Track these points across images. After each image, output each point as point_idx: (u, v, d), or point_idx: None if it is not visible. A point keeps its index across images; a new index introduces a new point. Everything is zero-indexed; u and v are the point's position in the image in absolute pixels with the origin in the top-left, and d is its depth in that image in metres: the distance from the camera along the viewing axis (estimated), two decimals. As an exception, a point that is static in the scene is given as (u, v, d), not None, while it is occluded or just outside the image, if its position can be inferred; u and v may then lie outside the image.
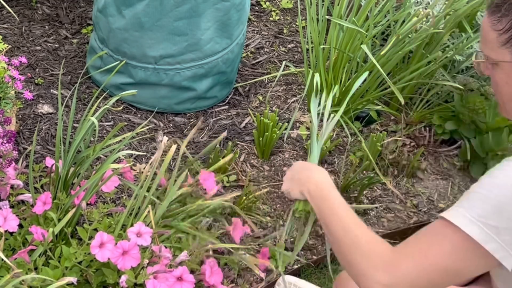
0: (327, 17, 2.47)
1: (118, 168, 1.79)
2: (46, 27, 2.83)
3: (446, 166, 2.56)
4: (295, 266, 2.07)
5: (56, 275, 1.63)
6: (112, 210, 1.84)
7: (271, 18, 3.11)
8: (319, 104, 1.75)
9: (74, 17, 2.90)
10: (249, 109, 2.61)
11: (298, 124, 2.56)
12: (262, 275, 1.99)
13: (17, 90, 2.15)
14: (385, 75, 2.23)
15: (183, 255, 1.70)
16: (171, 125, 2.50)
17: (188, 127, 2.50)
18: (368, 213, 2.31)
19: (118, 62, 2.36)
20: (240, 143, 2.47)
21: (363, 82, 2.52)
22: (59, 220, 1.74)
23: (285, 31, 3.04)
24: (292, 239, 2.16)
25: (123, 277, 1.61)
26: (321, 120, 1.69)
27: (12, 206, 1.84)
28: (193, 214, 1.89)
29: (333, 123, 1.67)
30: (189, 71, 2.44)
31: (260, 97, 2.68)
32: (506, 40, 1.27)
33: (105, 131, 2.40)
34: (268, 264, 1.87)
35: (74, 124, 2.37)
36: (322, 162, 2.43)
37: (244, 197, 2.15)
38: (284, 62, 2.66)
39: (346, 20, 2.48)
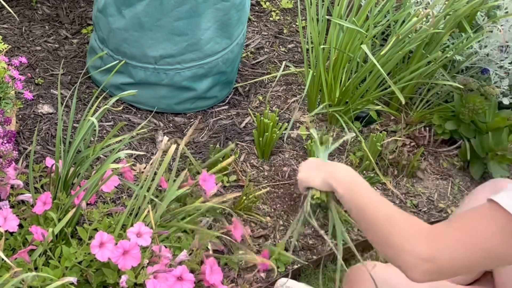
0: (327, 17, 2.48)
1: (118, 168, 1.79)
2: (46, 27, 2.83)
3: (446, 166, 2.56)
4: (295, 266, 2.07)
5: (56, 275, 1.63)
6: (112, 210, 1.84)
7: (271, 18, 3.11)
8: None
9: (74, 17, 2.90)
10: (249, 109, 2.62)
11: (298, 124, 2.56)
12: (262, 275, 1.99)
13: (17, 90, 2.15)
14: (385, 75, 2.23)
15: (183, 255, 1.71)
16: (171, 125, 2.50)
17: (188, 127, 2.50)
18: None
19: (118, 62, 2.37)
20: (240, 143, 2.47)
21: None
22: (59, 220, 1.74)
23: (285, 31, 3.04)
24: (291, 240, 2.16)
25: (123, 277, 1.61)
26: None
27: (12, 206, 1.84)
28: (193, 214, 1.89)
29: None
30: (189, 71, 2.44)
31: (260, 97, 2.68)
32: None
33: (105, 131, 2.41)
34: (268, 264, 1.88)
35: (74, 124, 2.38)
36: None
37: (244, 197, 2.15)
38: (284, 62, 2.66)
39: (346, 20, 2.48)
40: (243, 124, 2.55)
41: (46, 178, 1.98)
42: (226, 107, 2.62)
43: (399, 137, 2.58)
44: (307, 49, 2.61)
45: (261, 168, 2.39)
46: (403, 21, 2.51)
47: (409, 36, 2.42)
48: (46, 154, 2.25)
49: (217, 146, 2.38)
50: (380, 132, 2.57)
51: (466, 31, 2.52)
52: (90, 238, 1.68)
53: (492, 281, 1.70)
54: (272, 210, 2.25)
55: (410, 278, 1.25)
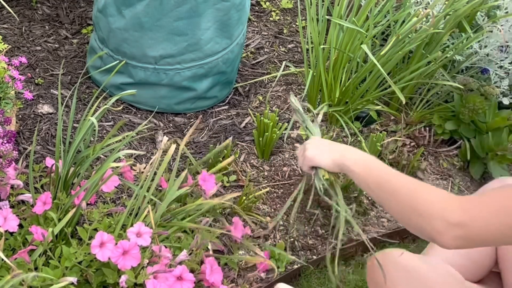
0: (327, 17, 2.48)
1: (118, 168, 1.79)
2: (46, 27, 2.83)
3: (446, 166, 2.56)
4: (295, 266, 2.07)
5: (56, 275, 1.63)
6: (112, 210, 1.84)
7: (271, 18, 3.11)
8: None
9: (74, 17, 2.90)
10: (249, 109, 2.62)
11: (298, 124, 2.56)
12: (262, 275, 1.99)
13: (17, 90, 2.15)
14: (386, 75, 2.23)
15: (183, 255, 1.71)
16: (171, 125, 2.50)
17: (188, 127, 2.50)
18: (368, 213, 2.30)
19: (118, 62, 2.37)
20: (240, 143, 2.47)
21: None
22: (59, 220, 1.74)
23: (285, 31, 3.04)
24: (292, 239, 2.16)
25: (123, 277, 1.61)
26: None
27: (12, 206, 1.84)
28: (193, 214, 1.89)
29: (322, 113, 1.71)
30: (189, 71, 2.44)
31: (260, 97, 2.68)
32: None
33: (105, 131, 2.41)
34: (268, 264, 1.88)
35: (74, 124, 2.38)
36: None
37: (244, 197, 2.15)
38: (284, 62, 2.66)
39: (346, 20, 2.48)
40: (243, 124, 2.55)
41: (46, 178, 1.98)
42: (226, 107, 2.63)
43: (399, 137, 2.58)
44: (307, 49, 2.61)
45: (261, 168, 2.39)
46: (403, 21, 2.51)
47: (409, 36, 2.42)
48: (46, 154, 2.25)
49: (217, 146, 2.38)
50: (380, 132, 2.57)
51: (466, 31, 2.52)
52: (90, 238, 1.68)
53: (496, 282, 1.70)
54: (272, 210, 2.25)
55: (440, 244, 1.25)
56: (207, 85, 2.50)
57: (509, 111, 2.55)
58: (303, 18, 3.00)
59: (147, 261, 1.66)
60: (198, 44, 2.38)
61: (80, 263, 1.69)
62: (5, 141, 1.83)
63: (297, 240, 2.16)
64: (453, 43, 2.59)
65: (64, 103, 2.42)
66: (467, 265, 1.67)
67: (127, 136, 1.99)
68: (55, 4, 2.94)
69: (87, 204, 1.83)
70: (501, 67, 2.57)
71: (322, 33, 2.53)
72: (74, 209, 1.76)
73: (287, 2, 3.19)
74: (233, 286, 1.90)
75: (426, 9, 2.43)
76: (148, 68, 2.42)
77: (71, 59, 2.70)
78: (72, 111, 1.93)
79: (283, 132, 2.42)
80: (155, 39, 2.36)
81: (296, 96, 2.71)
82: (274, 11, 3.15)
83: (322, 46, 2.45)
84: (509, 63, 2.55)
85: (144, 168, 2.23)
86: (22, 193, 1.87)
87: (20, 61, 2.16)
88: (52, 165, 1.91)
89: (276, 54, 2.91)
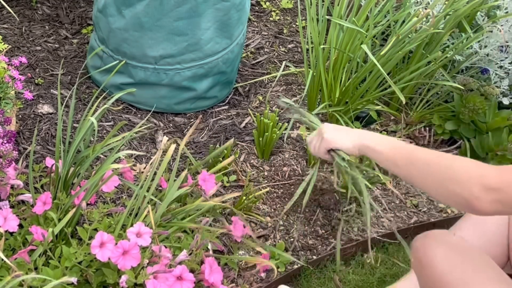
0: (327, 17, 2.47)
1: (118, 168, 1.79)
2: (46, 27, 2.83)
3: (446, 166, 2.56)
4: (295, 267, 2.07)
5: (56, 275, 1.63)
6: (112, 210, 1.84)
7: (271, 18, 3.11)
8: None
9: (74, 17, 2.90)
10: (249, 109, 2.62)
11: (298, 124, 2.56)
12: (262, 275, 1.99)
13: (17, 90, 2.15)
14: (386, 75, 2.23)
15: (183, 255, 1.71)
16: (171, 125, 2.50)
17: (188, 127, 2.50)
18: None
19: (118, 62, 2.37)
20: (240, 143, 2.47)
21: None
22: (59, 220, 1.74)
23: (285, 31, 3.04)
24: (292, 239, 2.16)
25: (123, 277, 1.61)
26: None
27: (12, 206, 1.84)
28: (193, 214, 1.89)
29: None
30: (189, 71, 2.44)
31: (260, 97, 2.68)
32: None
33: (105, 131, 2.41)
34: (268, 265, 1.88)
35: (74, 124, 2.38)
36: (322, 162, 2.43)
37: (244, 197, 2.15)
38: (284, 62, 2.66)
39: (346, 20, 2.48)
40: (243, 124, 2.55)
41: (46, 178, 1.98)
42: (226, 107, 2.63)
43: (399, 137, 2.58)
44: (307, 49, 2.61)
45: (261, 168, 2.39)
46: (403, 21, 2.51)
47: (409, 36, 2.42)
48: (46, 154, 2.25)
49: (217, 146, 2.38)
50: (380, 132, 2.57)
51: (466, 31, 2.52)
52: (90, 238, 1.68)
53: None
54: (272, 210, 2.25)
55: (478, 209, 1.26)
56: (207, 85, 2.50)
57: (509, 111, 2.55)
58: (303, 18, 3.00)
59: (147, 261, 1.66)
60: (198, 44, 2.38)
61: (80, 263, 1.69)
62: (5, 141, 1.83)
63: (297, 240, 2.16)
64: (453, 43, 2.59)
65: (64, 103, 2.42)
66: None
67: (127, 135, 1.99)
68: (55, 4, 2.94)
69: (87, 204, 1.83)
70: (501, 67, 2.57)
71: (322, 33, 2.53)
72: (74, 209, 1.76)
73: (287, 2, 3.19)
74: (233, 286, 1.90)
75: (426, 9, 2.43)
76: (148, 68, 2.42)
77: (71, 59, 2.70)
78: (71, 111, 1.93)
79: (283, 132, 2.42)
80: (155, 39, 2.36)
81: (295, 96, 2.71)
82: (274, 11, 3.15)
83: (322, 46, 2.45)
84: (509, 63, 2.55)
85: (144, 168, 2.23)
86: (22, 193, 1.87)
87: (20, 61, 2.16)
88: (52, 165, 1.91)
89: (276, 54, 2.91)
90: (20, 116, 2.39)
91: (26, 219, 1.82)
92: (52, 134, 2.36)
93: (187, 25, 2.33)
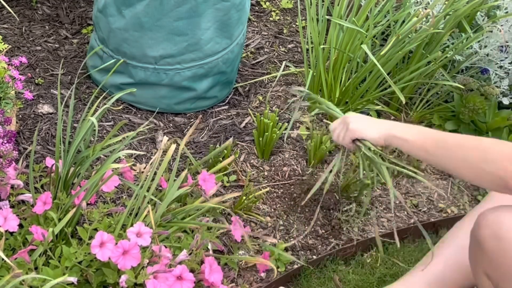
0: (327, 17, 2.48)
1: (118, 168, 1.79)
2: (46, 27, 2.83)
3: (446, 166, 2.56)
4: (295, 266, 2.07)
5: (56, 275, 1.64)
6: (112, 210, 1.84)
7: (271, 18, 3.11)
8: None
9: (74, 17, 2.90)
10: (249, 109, 2.62)
11: (298, 124, 2.56)
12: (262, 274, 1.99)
13: (17, 90, 2.15)
14: (386, 75, 2.23)
15: (183, 255, 1.71)
16: (171, 125, 2.50)
17: (188, 127, 2.50)
18: (368, 213, 2.31)
19: (118, 61, 2.37)
20: (240, 143, 2.47)
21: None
22: (59, 220, 1.74)
23: (285, 31, 3.04)
24: (292, 239, 2.16)
25: (123, 277, 1.61)
26: None
27: (12, 206, 1.84)
28: (193, 214, 1.89)
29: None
30: (189, 71, 2.44)
31: (260, 97, 2.68)
32: None
33: (105, 131, 2.41)
34: (268, 265, 1.88)
35: (74, 124, 2.38)
36: (322, 162, 2.43)
37: (244, 197, 2.15)
38: (284, 62, 2.66)
39: (346, 20, 2.48)
40: (243, 124, 2.55)
41: (46, 178, 1.98)
42: (226, 107, 2.63)
43: (399, 137, 2.58)
44: (307, 49, 2.62)
45: (261, 168, 2.40)
46: (403, 21, 2.51)
47: (409, 36, 2.42)
48: (46, 154, 2.25)
49: (217, 146, 2.38)
50: (380, 132, 2.57)
51: (466, 31, 2.52)
52: (90, 238, 1.68)
53: None
54: (272, 210, 2.25)
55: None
56: (207, 85, 2.50)
57: (509, 111, 2.55)
58: (303, 18, 3.00)
59: (147, 261, 1.66)
60: (198, 44, 2.39)
61: (80, 263, 1.69)
62: (5, 141, 1.83)
63: (297, 240, 2.16)
64: (453, 43, 2.60)
65: (64, 103, 2.42)
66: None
67: (127, 136, 1.99)
68: (55, 4, 2.94)
69: (87, 204, 1.83)
70: (501, 67, 2.57)
71: (322, 33, 2.53)
72: (74, 209, 1.76)
73: (287, 2, 3.19)
74: (233, 286, 1.90)
75: (426, 9, 2.43)
76: (148, 68, 2.42)
77: (71, 59, 2.70)
78: (71, 110, 1.93)
79: (283, 132, 2.42)
80: (155, 39, 2.36)
81: (295, 96, 2.71)
82: (274, 11, 3.15)
83: (322, 46, 2.45)
84: (509, 63, 2.55)
85: (144, 168, 2.23)
86: (22, 193, 1.88)
87: (20, 61, 2.16)
88: (52, 165, 1.91)
89: (276, 54, 2.91)
90: (20, 116, 2.39)
91: (26, 219, 1.82)
92: (52, 134, 2.36)
93: (187, 25, 2.33)
